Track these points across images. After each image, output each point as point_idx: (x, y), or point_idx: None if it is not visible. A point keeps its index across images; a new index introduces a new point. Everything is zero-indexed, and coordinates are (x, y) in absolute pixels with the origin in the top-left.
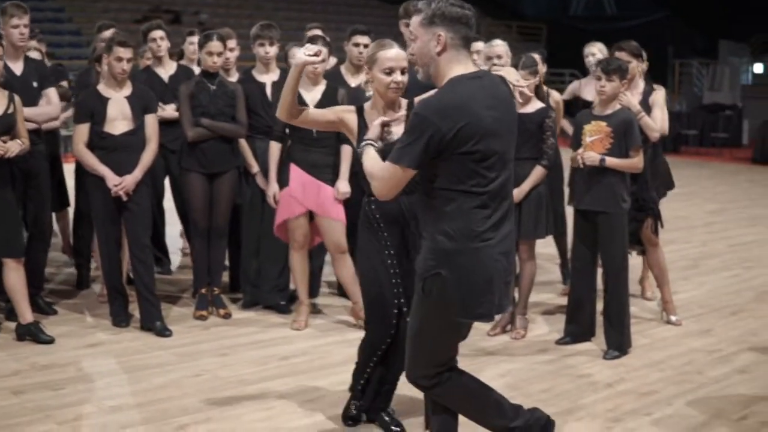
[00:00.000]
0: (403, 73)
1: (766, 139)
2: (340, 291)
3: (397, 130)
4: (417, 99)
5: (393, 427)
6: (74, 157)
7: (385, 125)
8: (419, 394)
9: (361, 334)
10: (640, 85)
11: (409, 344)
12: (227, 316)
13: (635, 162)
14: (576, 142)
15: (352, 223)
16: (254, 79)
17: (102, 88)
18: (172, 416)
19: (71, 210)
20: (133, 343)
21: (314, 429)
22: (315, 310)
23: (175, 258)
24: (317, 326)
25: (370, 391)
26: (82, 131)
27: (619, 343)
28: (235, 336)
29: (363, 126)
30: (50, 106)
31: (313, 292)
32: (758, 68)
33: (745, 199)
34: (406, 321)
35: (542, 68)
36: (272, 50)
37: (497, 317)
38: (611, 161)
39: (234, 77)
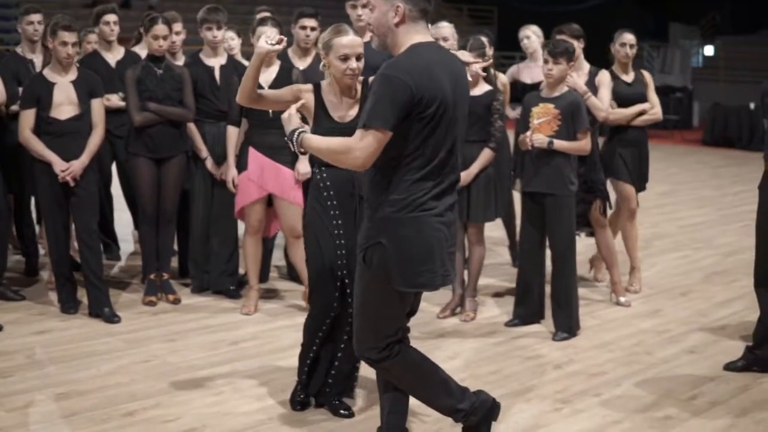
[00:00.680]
0: (358, 59)
1: (716, 121)
2: (292, 275)
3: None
4: (371, 79)
5: (342, 411)
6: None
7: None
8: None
9: None
10: (585, 66)
11: (355, 316)
12: (176, 301)
13: (583, 144)
14: (523, 125)
15: None
16: (202, 62)
17: (47, 73)
18: (121, 402)
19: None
20: (82, 330)
21: (264, 414)
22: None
23: (128, 245)
24: (267, 311)
25: (319, 373)
26: (28, 117)
27: (567, 325)
28: (184, 321)
29: (320, 104)
30: None
31: (264, 276)
32: (709, 51)
33: (695, 181)
34: (348, 292)
35: (490, 51)
36: (219, 34)
37: (450, 301)
38: (560, 144)
39: (180, 60)
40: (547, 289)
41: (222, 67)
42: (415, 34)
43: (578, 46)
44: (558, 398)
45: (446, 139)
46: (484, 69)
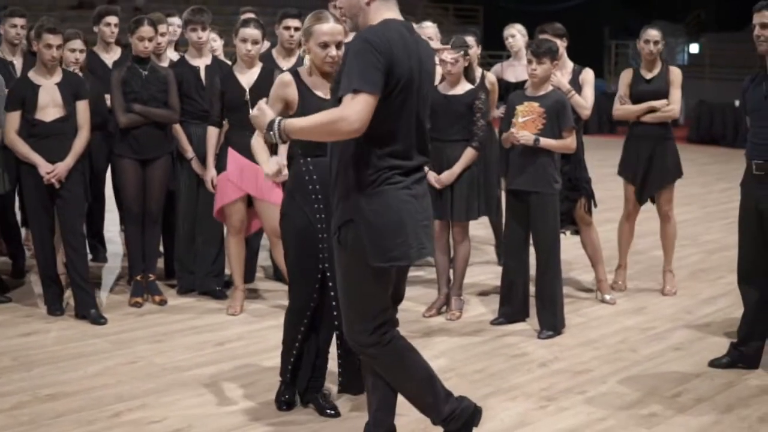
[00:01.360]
0: (338, 47)
1: (702, 118)
2: (277, 275)
3: None
4: None
5: (328, 410)
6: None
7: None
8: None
9: None
10: (569, 64)
11: (341, 303)
12: (162, 302)
13: (568, 143)
14: (508, 123)
15: None
16: (187, 63)
17: (32, 75)
18: (107, 404)
19: None
20: (68, 332)
21: (250, 414)
22: (250, 295)
23: (117, 246)
24: (253, 311)
25: (304, 370)
26: (14, 119)
27: (552, 323)
28: (170, 322)
29: (304, 90)
30: None
31: (249, 277)
32: (694, 48)
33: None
34: (330, 285)
35: (477, 50)
36: (204, 35)
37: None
38: (546, 141)
39: (166, 62)
40: (532, 287)
41: (207, 68)
42: (386, 11)
43: (561, 44)
44: (543, 396)
45: (412, 116)
46: (466, 68)
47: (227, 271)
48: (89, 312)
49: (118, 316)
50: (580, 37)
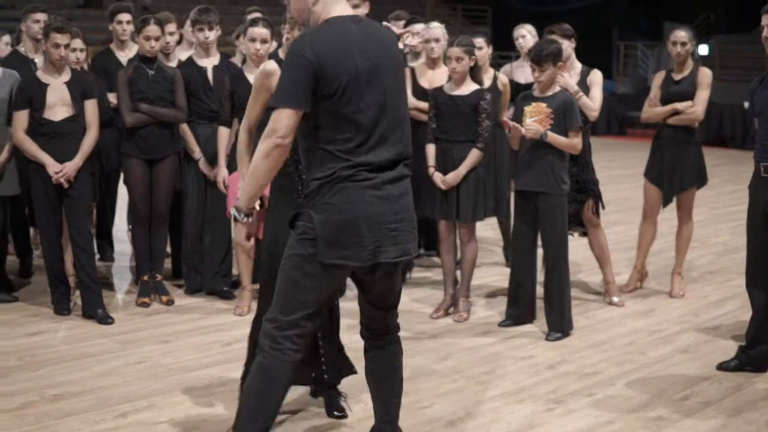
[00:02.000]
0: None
1: (711, 120)
2: None
3: None
4: None
5: (336, 412)
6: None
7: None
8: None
9: None
10: (577, 66)
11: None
12: (170, 302)
13: (574, 143)
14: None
15: None
16: (195, 63)
17: (41, 74)
18: (114, 404)
19: None
20: (75, 331)
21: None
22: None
23: (125, 245)
24: None
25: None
26: (22, 118)
27: (560, 325)
28: (177, 323)
29: None
30: None
31: (257, 277)
32: (703, 50)
33: None
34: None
35: (488, 50)
36: (211, 35)
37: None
38: (553, 137)
39: (174, 62)
40: (540, 289)
41: (215, 68)
42: (333, 9)
43: (569, 45)
44: (551, 398)
45: (371, 109)
46: (471, 68)
47: (235, 271)
48: (96, 312)
49: (125, 316)
50: (589, 38)
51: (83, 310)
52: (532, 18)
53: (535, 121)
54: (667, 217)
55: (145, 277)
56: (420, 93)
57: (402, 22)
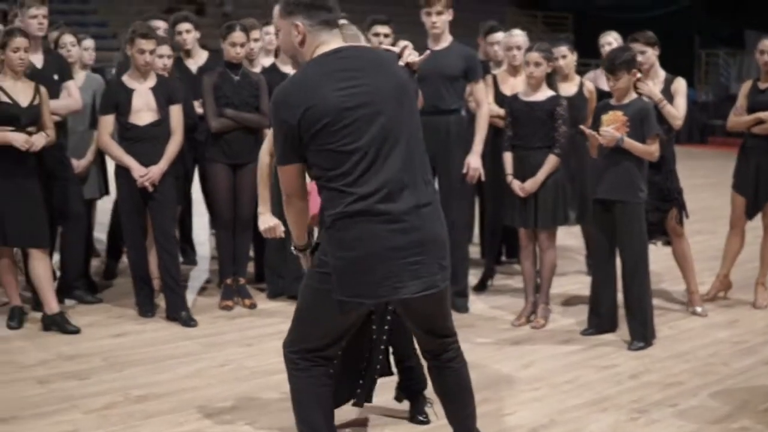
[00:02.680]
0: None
1: None
2: None
3: None
4: None
5: (420, 417)
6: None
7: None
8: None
9: None
10: (661, 73)
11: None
12: (252, 306)
13: (651, 150)
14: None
15: None
16: (278, 70)
17: (126, 79)
18: (198, 405)
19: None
20: (159, 333)
21: (339, 419)
22: None
23: (205, 248)
24: None
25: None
26: (108, 122)
27: (642, 334)
28: (260, 326)
29: None
30: (71, 98)
31: None
32: None
33: None
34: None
35: (572, 57)
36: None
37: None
38: (629, 143)
39: (258, 68)
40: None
41: None
42: (320, 46)
43: (653, 53)
44: (634, 408)
45: (362, 139)
46: (548, 74)
47: None
48: (180, 314)
49: (208, 319)
50: (670, 45)
51: (167, 313)
52: (614, 25)
53: (612, 128)
54: (752, 226)
55: (229, 281)
56: (501, 100)
57: (405, 42)
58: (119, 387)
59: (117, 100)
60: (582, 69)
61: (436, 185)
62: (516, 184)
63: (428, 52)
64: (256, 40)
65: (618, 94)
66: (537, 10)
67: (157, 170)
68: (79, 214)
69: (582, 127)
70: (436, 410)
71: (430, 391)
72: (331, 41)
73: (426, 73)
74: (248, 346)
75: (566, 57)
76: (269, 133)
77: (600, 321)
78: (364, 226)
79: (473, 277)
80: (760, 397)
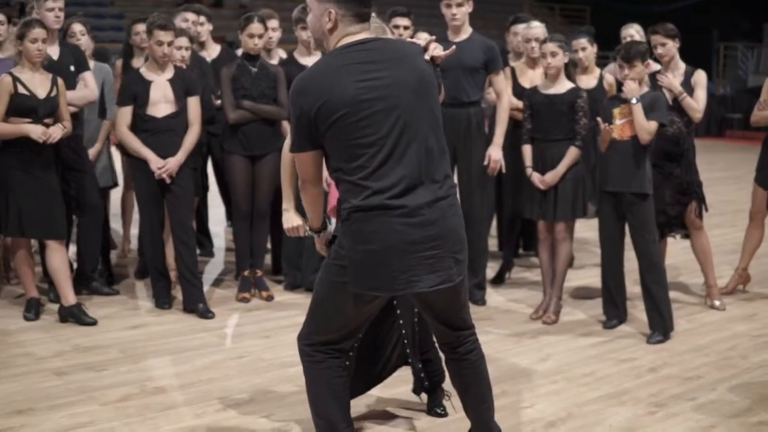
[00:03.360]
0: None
1: None
2: None
3: None
4: None
5: (437, 409)
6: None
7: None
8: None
9: None
10: (681, 66)
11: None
12: (270, 298)
13: (651, 128)
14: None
15: None
16: (296, 61)
17: (144, 71)
18: (215, 397)
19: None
20: (176, 325)
21: (356, 411)
22: None
23: (221, 240)
24: None
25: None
26: (125, 114)
27: (662, 327)
28: (277, 318)
29: None
30: (88, 89)
31: None
32: None
33: None
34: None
35: (592, 49)
36: None
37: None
38: (637, 109)
39: (275, 59)
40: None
41: None
42: (347, 36)
43: (674, 45)
44: (652, 401)
45: (379, 132)
46: (566, 65)
47: None
48: (197, 306)
49: (225, 311)
50: (688, 38)
51: (184, 305)
52: (632, 17)
53: (624, 122)
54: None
55: (246, 273)
56: (520, 93)
57: (425, 35)
58: (136, 379)
59: (135, 92)
60: (599, 62)
61: (456, 177)
62: (536, 177)
63: (453, 47)
64: (274, 29)
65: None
66: (555, 2)
67: (174, 162)
68: (95, 204)
69: (599, 119)
70: (453, 403)
71: (448, 384)
72: (358, 33)
73: (446, 65)
74: (266, 338)
75: (586, 49)
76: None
77: (619, 311)
78: (380, 220)
79: (490, 269)
80: None
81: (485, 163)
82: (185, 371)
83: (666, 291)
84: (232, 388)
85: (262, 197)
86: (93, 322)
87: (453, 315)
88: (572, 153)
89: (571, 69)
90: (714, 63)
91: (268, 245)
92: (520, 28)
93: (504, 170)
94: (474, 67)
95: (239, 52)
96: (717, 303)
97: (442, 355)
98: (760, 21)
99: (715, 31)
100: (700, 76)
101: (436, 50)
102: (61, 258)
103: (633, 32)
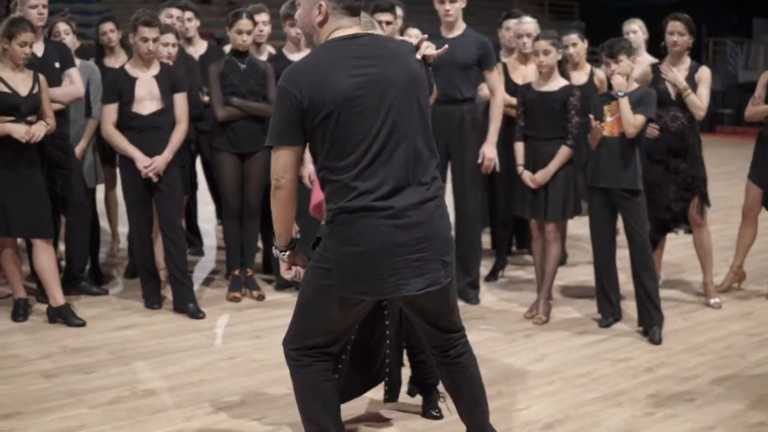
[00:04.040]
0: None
1: None
2: None
3: None
4: None
5: (432, 412)
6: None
7: None
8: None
9: None
10: (687, 60)
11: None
12: (261, 297)
13: (635, 121)
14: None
15: None
16: (285, 58)
17: (129, 68)
18: (206, 400)
19: None
20: (166, 326)
21: (348, 413)
22: None
23: (211, 239)
24: None
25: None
26: (111, 111)
27: (659, 321)
28: (268, 318)
29: None
30: (73, 86)
31: None
32: None
33: None
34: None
35: (583, 45)
36: None
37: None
38: (624, 102)
39: (264, 55)
40: (629, 287)
41: None
42: (336, 30)
43: (689, 39)
44: (650, 402)
45: (369, 133)
46: (559, 63)
47: None
48: (187, 306)
49: (216, 311)
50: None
51: (174, 305)
52: (620, 13)
53: (615, 119)
54: (764, 216)
55: (236, 272)
56: (512, 89)
57: (416, 31)
58: (126, 381)
59: (120, 89)
60: (588, 57)
61: (449, 175)
62: (527, 175)
63: (446, 46)
64: (264, 23)
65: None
66: None
67: (161, 160)
68: (83, 203)
69: (591, 116)
70: (449, 405)
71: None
72: (350, 27)
73: (439, 61)
74: (257, 339)
75: (576, 45)
76: None
77: (614, 309)
78: (366, 222)
79: (483, 267)
80: None
81: (479, 161)
82: (175, 373)
83: (655, 283)
84: (223, 390)
85: (252, 195)
86: (82, 324)
87: (442, 318)
88: (563, 152)
89: (564, 65)
90: (703, 58)
91: (259, 243)
92: (511, 23)
93: (498, 169)
94: (467, 63)
95: (227, 48)
96: (712, 301)
97: None
98: (749, 16)
99: (704, 27)
100: (704, 73)
101: (428, 49)
102: (48, 257)
103: (636, 27)
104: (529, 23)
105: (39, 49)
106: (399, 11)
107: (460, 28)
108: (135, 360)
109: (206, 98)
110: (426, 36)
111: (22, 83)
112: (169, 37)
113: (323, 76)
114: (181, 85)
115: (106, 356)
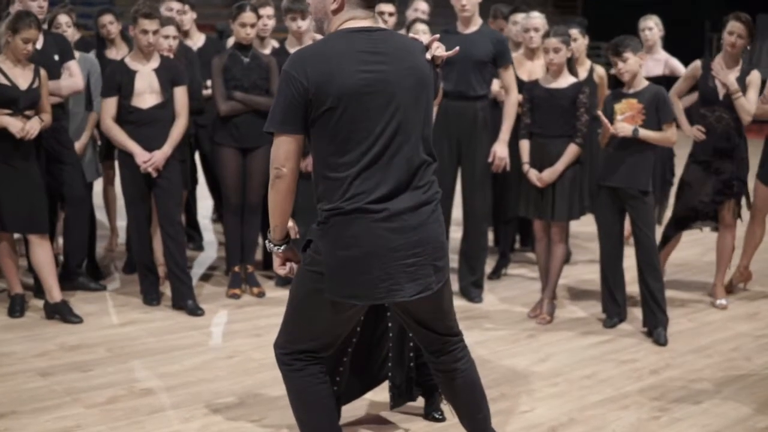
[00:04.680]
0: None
1: None
2: None
3: None
4: None
5: (435, 414)
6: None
7: None
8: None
9: None
10: (740, 62)
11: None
12: (261, 294)
13: (668, 135)
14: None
15: None
16: (287, 52)
17: (129, 60)
18: (205, 399)
19: None
20: (165, 323)
21: (350, 413)
22: None
23: (210, 234)
24: None
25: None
26: (110, 105)
27: (664, 322)
28: (268, 315)
29: None
30: (73, 78)
31: None
32: None
33: None
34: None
35: (583, 41)
36: (304, 24)
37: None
38: (645, 133)
39: (268, 48)
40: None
41: None
42: (348, 20)
43: (747, 42)
44: (656, 406)
45: (370, 133)
46: (569, 60)
47: None
48: (186, 303)
49: (215, 308)
50: (680, 29)
51: (173, 301)
52: (624, 8)
53: (626, 118)
54: None
55: (236, 268)
56: (519, 85)
57: (423, 26)
58: (123, 380)
59: (119, 82)
60: (591, 52)
61: (459, 172)
62: (533, 174)
63: (456, 48)
64: (269, 16)
65: (627, 78)
66: None
67: (160, 155)
68: (81, 197)
69: (599, 113)
70: (451, 407)
71: None
72: (363, 19)
73: (454, 57)
74: (256, 337)
75: (577, 40)
76: None
77: (619, 309)
78: (361, 224)
79: (486, 266)
80: None
81: (489, 159)
82: (173, 372)
83: (661, 284)
84: (221, 390)
85: (254, 191)
86: (79, 321)
87: (436, 322)
88: (572, 150)
89: (573, 63)
90: (707, 55)
91: (260, 240)
92: (519, 17)
93: (509, 168)
94: (482, 60)
95: (230, 41)
96: (718, 302)
97: None
98: (753, 12)
99: (707, 23)
100: (755, 77)
101: (438, 50)
102: (44, 252)
103: (652, 24)
104: (537, 18)
105: (38, 41)
106: (424, 5)
107: (477, 23)
108: (133, 358)
109: (208, 92)
110: (437, 36)
111: (22, 77)
112: (170, 30)
113: (332, 65)
114: (182, 78)
115: (103, 354)
